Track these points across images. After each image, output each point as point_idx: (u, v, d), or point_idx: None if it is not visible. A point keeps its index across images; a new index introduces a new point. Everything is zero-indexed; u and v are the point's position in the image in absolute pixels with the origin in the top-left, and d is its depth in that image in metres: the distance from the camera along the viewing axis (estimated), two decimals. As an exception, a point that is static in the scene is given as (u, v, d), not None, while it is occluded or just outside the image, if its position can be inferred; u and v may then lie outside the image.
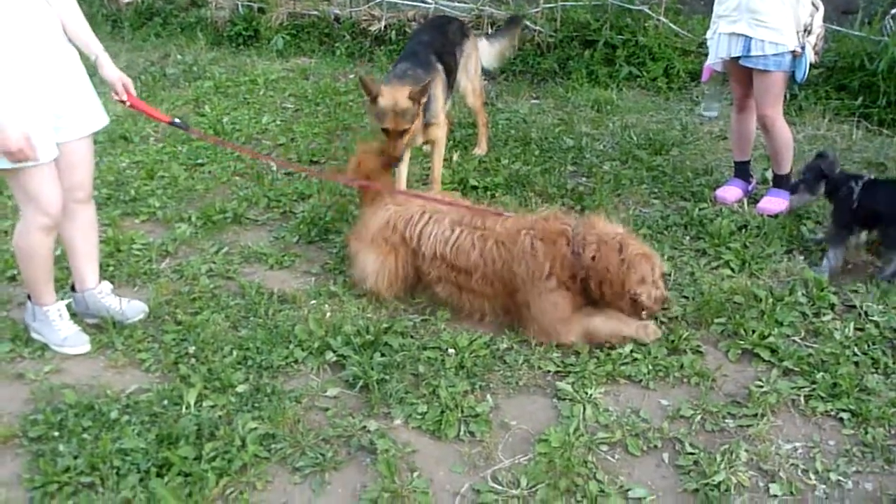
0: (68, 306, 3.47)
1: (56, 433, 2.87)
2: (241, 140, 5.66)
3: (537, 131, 5.60)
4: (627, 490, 2.61)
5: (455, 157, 5.16)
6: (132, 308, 3.55)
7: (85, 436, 2.84)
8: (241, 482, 2.66)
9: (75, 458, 2.73)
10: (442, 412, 2.94)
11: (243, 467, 2.70)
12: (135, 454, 2.73)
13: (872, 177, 3.97)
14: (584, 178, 4.92)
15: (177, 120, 3.69)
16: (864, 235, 3.90)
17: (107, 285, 3.57)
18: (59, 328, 3.37)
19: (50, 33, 3.07)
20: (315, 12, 7.83)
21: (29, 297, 3.40)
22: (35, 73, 2.99)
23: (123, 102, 3.32)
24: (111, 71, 3.28)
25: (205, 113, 6.20)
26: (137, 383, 3.18)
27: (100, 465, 2.68)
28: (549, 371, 3.20)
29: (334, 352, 3.29)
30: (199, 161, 5.34)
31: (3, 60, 2.88)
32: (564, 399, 3.03)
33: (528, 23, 6.82)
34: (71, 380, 3.20)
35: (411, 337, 3.39)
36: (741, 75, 4.33)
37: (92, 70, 3.28)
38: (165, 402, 3.02)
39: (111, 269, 3.97)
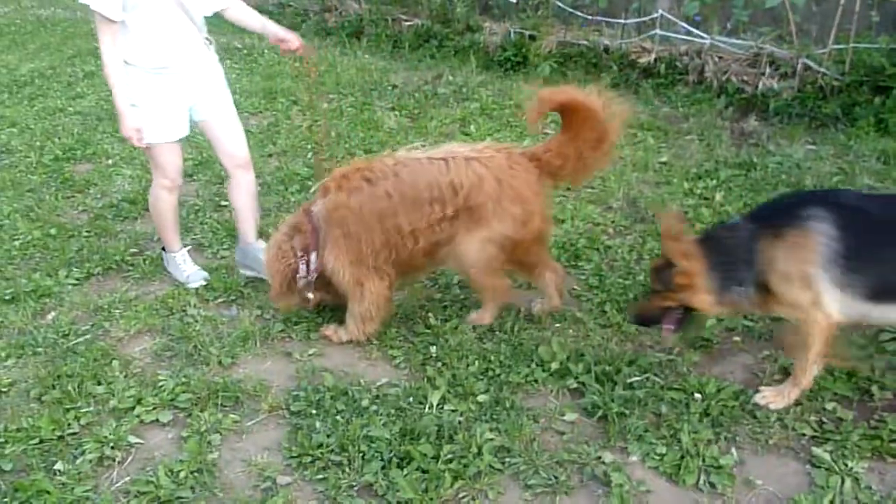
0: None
1: (314, 411, 3.13)
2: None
3: (812, 179, 5.21)
4: (887, 580, 2.35)
5: (718, 196, 4.95)
6: None
7: (338, 418, 3.07)
8: (474, 488, 2.72)
9: (328, 436, 2.96)
10: (682, 457, 2.82)
11: (478, 474, 2.77)
12: (380, 442, 2.90)
13: None
14: (861, 234, 4.49)
15: None
16: None
17: (262, 243, 4.12)
18: (183, 269, 4.27)
19: (188, 40, 3.73)
20: (584, 42, 7.89)
21: (163, 249, 4.33)
22: (173, 72, 3.72)
23: (295, 51, 3.94)
24: (280, 29, 3.97)
25: (469, 132, 6.46)
26: (387, 377, 3.38)
27: (349, 447, 2.88)
28: (804, 434, 2.95)
29: (575, 377, 3.28)
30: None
31: (149, 61, 3.64)
32: (820, 467, 2.78)
33: (812, 63, 6.40)
34: (330, 364, 3.47)
35: (655, 375, 3.29)
36: None
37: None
38: (411, 398, 3.18)
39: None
